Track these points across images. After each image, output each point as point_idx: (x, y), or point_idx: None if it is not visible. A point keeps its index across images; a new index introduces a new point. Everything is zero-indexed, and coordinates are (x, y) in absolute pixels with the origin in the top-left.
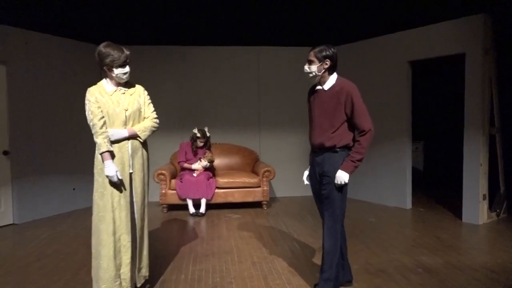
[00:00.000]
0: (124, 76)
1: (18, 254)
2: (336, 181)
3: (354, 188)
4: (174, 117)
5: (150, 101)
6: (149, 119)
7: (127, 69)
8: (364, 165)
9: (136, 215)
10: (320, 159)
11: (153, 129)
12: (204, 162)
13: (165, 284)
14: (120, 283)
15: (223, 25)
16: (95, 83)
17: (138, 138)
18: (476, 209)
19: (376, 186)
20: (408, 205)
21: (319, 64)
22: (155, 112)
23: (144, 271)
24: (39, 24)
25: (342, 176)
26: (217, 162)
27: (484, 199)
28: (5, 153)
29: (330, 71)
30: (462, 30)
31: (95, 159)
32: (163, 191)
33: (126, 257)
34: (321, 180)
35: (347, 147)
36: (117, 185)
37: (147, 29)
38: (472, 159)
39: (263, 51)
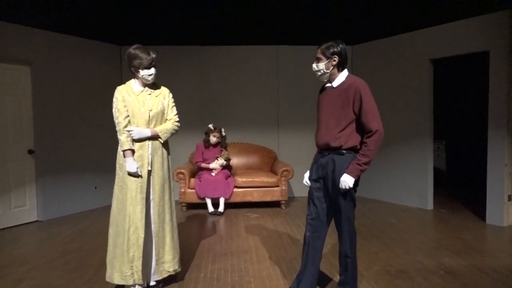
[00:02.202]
0: (149, 78)
1: (42, 250)
2: (340, 186)
3: (374, 188)
4: (193, 117)
5: (174, 104)
6: (171, 121)
7: (152, 71)
8: (384, 164)
9: (152, 211)
10: (325, 161)
11: (173, 131)
12: (221, 161)
13: (185, 283)
14: (132, 274)
15: (242, 25)
16: (117, 83)
17: (159, 139)
18: (501, 210)
19: (397, 186)
20: (430, 206)
21: (327, 61)
22: (177, 116)
23: (168, 266)
24: (63, 26)
25: (346, 181)
26: (236, 161)
27: (509, 200)
28: (30, 152)
29: (339, 68)
30: (487, 27)
31: (117, 154)
32: (182, 190)
33: (138, 251)
34: (325, 184)
35: (354, 150)
36: (136, 180)
37: (167, 30)
38: (496, 159)
39: (282, 50)
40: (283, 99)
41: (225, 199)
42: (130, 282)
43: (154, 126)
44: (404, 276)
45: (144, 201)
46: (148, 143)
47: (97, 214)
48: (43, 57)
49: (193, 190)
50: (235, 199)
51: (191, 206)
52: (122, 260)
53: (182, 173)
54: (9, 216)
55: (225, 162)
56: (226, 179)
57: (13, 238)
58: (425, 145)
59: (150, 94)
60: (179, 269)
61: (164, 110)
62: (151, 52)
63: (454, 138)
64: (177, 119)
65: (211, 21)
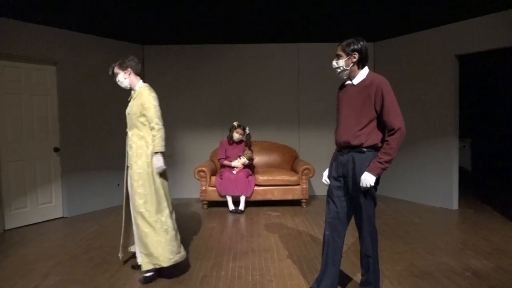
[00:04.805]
0: (120, 84)
1: (68, 246)
2: (361, 184)
3: (398, 187)
4: (214, 115)
5: (151, 104)
6: (152, 131)
7: (117, 78)
8: (408, 163)
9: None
10: (345, 159)
11: (160, 137)
12: (243, 159)
13: (206, 280)
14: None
15: (263, 23)
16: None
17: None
18: None
19: (421, 186)
20: (455, 205)
21: (347, 58)
22: (155, 116)
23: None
24: (86, 26)
25: (367, 179)
26: (256, 159)
27: None
28: (56, 150)
29: (359, 65)
30: None
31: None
32: (203, 188)
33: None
34: (345, 182)
35: (375, 148)
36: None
37: (188, 29)
38: None
39: (303, 48)
40: (304, 97)
41: (246, 197)
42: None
43: (130, 129)
44: (428, 277)
45: (124, 192)
46: (128, 142)
47: (119, 211)
48: (68, 57)
49: (214, 188)
50: (256, 197)
51: (211, 204)
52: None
53: (203, 171)
54: (36, 212)
55: (247, 161)
56: (247, 177)
57: (40, 234)
58: (450, 143)
59: (132, 98)
60: (142, 269)
61: (137, 112)
62: (114, 63)
63: (480, 137)
64: (155, 121)
65: (232, 20)
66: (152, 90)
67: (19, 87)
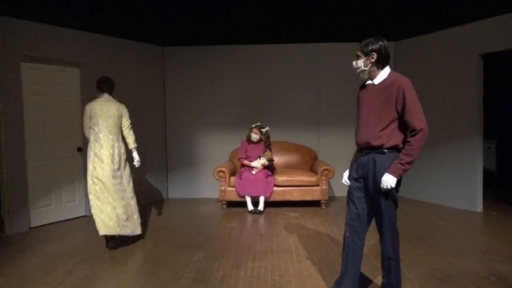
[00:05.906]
0: None
1: (90, 244)
2: (382, 186)
3: (420, 189)
4: (233, 115)
5: None
6: None
7: None
8: (431, 165)
9: None
10: (366, 160)
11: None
12: (263, 160)
13: (226, 279)
14: None
15: (282, 23)
16: (160, 83)
17: None
18: None
19: (444, 188)
20: (479, 208)
21: (365, 59)
22: None
23: None
24: (109, 28)
25: (388, 180)
26: (276, 160)
27: None
28: (79, 150)
29: (378, 65)
30: None
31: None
32: (223, 188)
33: None
34: (365, 183)
35: (396, 149)
36: None
37: (207, 30)
38: None
39: (322, 48)
40: (324, 97)
41: (265, 198)
42: None
43: None
44: (452, 281)
45: None
46: None
47: (140, 209)
48: (91, 59)
49: (233, 188)
50: (275, 198)
51: (231, 204)
52: None
53: (223, 171)
54: (60, 211)
55: (267, 162)
56: (266, 177)
57: (63, 232)
58: (475, 144)
59: None
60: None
61: None
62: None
63: (505, 138)
64: None
65: (252, 20)
66: (91, 104)
67: (44, 89)
